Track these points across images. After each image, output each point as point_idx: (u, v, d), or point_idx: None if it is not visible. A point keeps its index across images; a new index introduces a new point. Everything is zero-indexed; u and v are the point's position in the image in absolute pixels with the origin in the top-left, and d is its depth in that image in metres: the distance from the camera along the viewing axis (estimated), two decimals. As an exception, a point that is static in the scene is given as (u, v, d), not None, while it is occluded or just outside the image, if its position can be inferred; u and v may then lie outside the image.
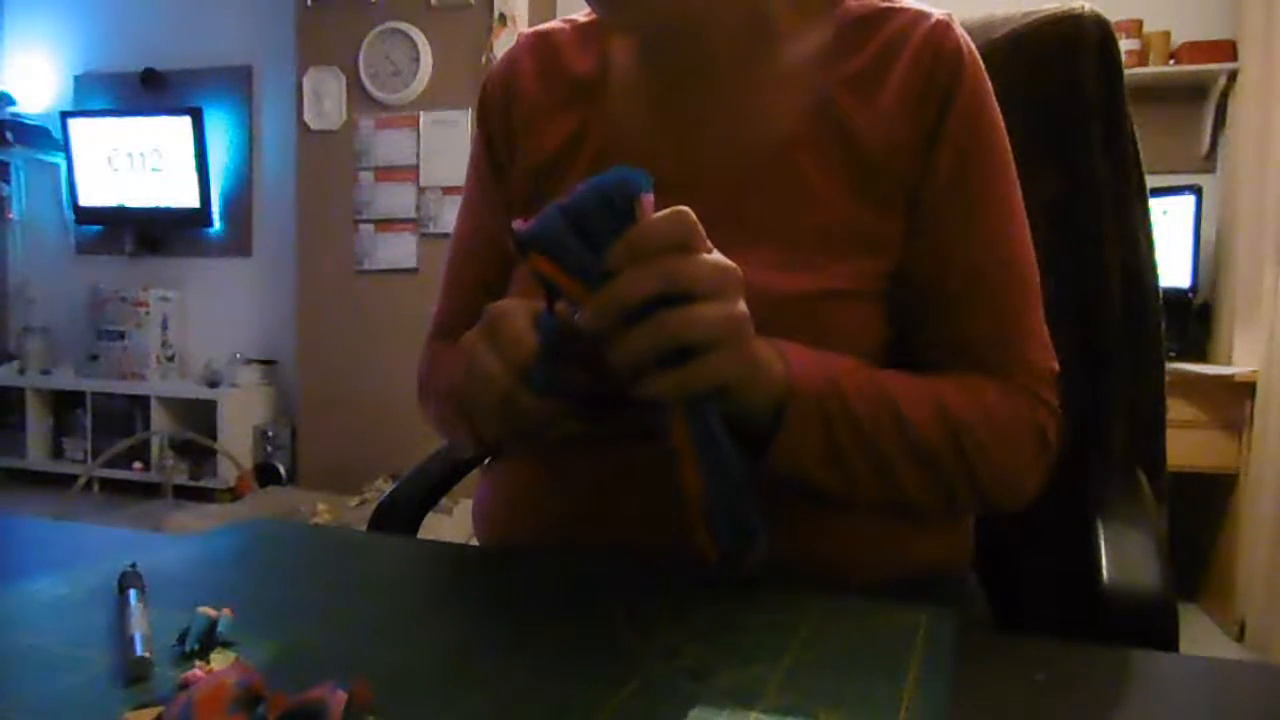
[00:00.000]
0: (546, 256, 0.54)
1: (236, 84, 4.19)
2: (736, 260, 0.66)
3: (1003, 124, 0.71)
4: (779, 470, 0.61)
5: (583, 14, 0.80)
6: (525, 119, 0.78)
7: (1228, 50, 2.90)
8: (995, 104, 0.70)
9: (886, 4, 0.71)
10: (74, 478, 3.80)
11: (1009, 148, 0.71)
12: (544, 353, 0.57)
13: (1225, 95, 2.95)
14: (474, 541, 0.79)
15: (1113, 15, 0.89)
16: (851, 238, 0.67)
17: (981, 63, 0.71)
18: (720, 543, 0.56)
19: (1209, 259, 2.94)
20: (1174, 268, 2.79)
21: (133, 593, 0.50)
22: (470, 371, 0.61)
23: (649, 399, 0.53)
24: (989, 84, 0.70)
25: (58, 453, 4.26)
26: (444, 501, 0.97)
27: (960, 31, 0.70)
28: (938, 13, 0.70)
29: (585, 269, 0.52)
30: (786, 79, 0.71)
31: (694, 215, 0.53)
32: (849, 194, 0.68)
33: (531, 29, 0.83)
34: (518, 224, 0.55)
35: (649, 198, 0.53)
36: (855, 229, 0.68)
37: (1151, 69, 2.96)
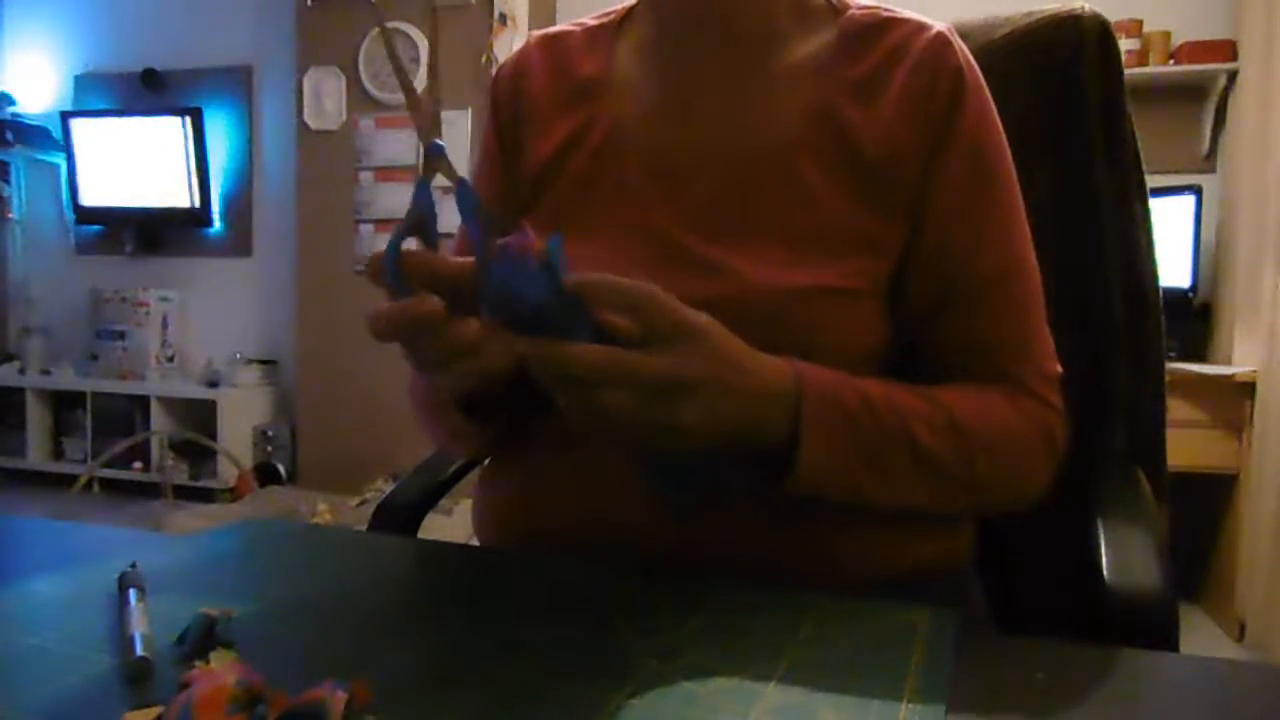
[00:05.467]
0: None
1: (236, 84, 4.19)
2: (737, 255, 0.67)
3: (1003, 132, 0.72)
4: (793, 493, 0.61)
5: (591, 17, 0.82)
6: (532, 116, 0.79)
7: (1228, 50, 2.90)
8: (996, 114, 0.72)
9: (889, 14, 0.73)
10: (74, 478, 3.80)
11: (1010, 155, 0.72)
12: (394, 236, 0.54)
13: (1225, 95, 2.95)
14: (474, 541, 0.79)
15: (1113, 15, 0.89)
16: (851, 239, 0.68)
17: (980, 73, 0.72)
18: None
19: (1209, 259, 2.94)
20: (1174, 268, 2.79)
21: (133, 593, 0.50)
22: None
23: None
24: (989, 95, 0.72)
25: (58, 453, 4.25)
26: (444, 501, 0.97)
27: (960, 44, 0.71)
28: (938, 25, 0.72)
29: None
30: (789, 82, 0.73)
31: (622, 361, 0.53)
32: (848, 197, 0.69)
33: (542, 30, 0.84)
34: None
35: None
36: (854, 231, 0.68)
37: (1151, 69, 2.96)
